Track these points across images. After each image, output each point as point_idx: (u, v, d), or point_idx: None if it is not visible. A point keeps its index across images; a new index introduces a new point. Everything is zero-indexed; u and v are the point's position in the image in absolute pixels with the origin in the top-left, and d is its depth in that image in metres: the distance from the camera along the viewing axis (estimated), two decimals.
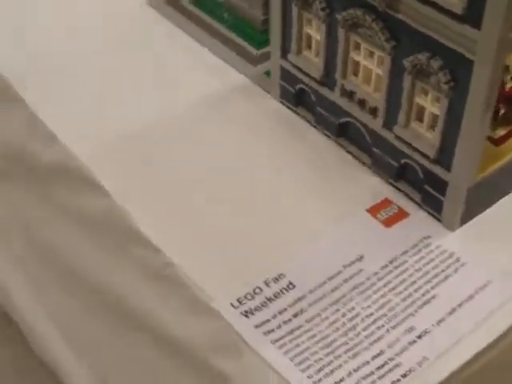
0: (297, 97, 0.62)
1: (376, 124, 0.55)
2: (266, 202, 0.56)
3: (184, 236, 0.53)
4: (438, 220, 0.54)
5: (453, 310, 0.48)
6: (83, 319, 0.64)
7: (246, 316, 0.49)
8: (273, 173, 0.58)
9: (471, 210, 0.53)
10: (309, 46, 0.59)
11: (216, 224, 0.54)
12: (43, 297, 0.70)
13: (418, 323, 0.48)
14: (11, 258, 0.72)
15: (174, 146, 0.60)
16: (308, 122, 0.62)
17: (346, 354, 0.47)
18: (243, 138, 0.61)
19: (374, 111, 0.55)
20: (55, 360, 0.70)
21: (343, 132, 0.59)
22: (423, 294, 0.49)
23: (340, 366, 0.46)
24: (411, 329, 0.47)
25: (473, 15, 0.45)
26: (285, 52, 0.61)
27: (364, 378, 0.45)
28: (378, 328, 0.48)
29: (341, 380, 0.45)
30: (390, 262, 0.51)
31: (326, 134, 0.60)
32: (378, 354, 0.46)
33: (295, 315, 0.49)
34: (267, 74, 0.65)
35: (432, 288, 0.50)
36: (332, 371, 0.46)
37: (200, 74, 0.67)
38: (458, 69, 0.48)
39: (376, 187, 0.56)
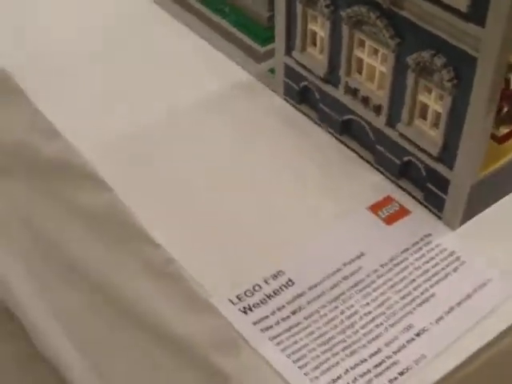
0: (301, 94, 0.62)
1: (379, 121, 0.55)
2: (267, 199, 0.56)
3: (184, 233, 0.53)
4: (440, 218, 0.53)
5: (451, 309, 0.48)
6: (85, 315, 0.64)
7: (245, 312, 0.49)
8: (275, 170, 0.58)
9: (473, 208, 0.53)
10: (313, 43, 0.59)
11: (216, 221, 0.54)
12: (45, 292, 0.70)
13: (416, 321, 0.48)
14: (13, 252, 0.73)
15: (176, 143, 0.60)
16: (311, 119, 0.62)
17: (343, 352, 0.46)
18: (246, 136, 0.61)
19: (377, 109, 0.55)
20: (57, 356, 0.70)
21: (347, 129, 0.59)
22: (422, 293, 0.49)
23: (337, 363, 0.46)
24: (409, 327, 0.47)
25: (477, 13, 0.45)
26: (289, 49, 0.61)
27: (361, 375, 0.45)
28: (377, 326, 0.47)
29: (338, 377, 0.45)
30: (390, 260, 0.51)
31: (329, 132, 0.60)
32: (376, 352, 0.46)
33: (294, 312, 0.48)
34: (271, 71, 0.64)
35: (431, 286, 0.49)
36: (329, 368, 0.46)
37: (204, 70, 0.67)
38: (462, 66, 0.47)
39: (378, 185, 0.56)
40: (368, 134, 0.57)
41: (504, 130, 0.53)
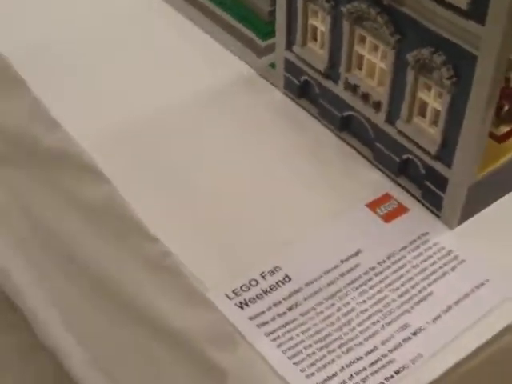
0: (301, 89, 0.62)
1: (379, 118, 0.55)
2: (265, 194, 0.55)
3: (181, 227, 0.53)
4: (438, 217, 0.53)
5: (449, 308, 0.48)
6: (84, 308, 0.64)
7: (241, 307, 0.48)
8: (273, 165, 0.58)
9: (471, 207, 0.52)
10: (314, 38, 0.59)
11: (214, 215, 0.54)
12: (45, 282, 0.70)
13: (413, 320, 0.47)
14: (12, 242, 0.73)
15: (175, 137, 0.60)
16: (311, 114, 0.61)
17: (339, 349, 0.46)
18: (245, 130, 0.61)
19: (377, 105, 0.55)
20: (58, 346, 0.70)
21: (346, 126, 0.59)
22: (420, 291, 0.49)
23: (333, 360, 0.46)
24: (406, 325, 0.47)
25: (477, 11, 0.44)
26: (290, 43, 0.60)
27: (357, 373, 0.45)
28: (373, 323, 0.47)
29: (333, 375, 0.45)
30: (388, 258, 0.51)
31: (328, 128, 0.60)
32: (372, 350, 0.46)
33: (290, 308, 0.48)
34: (272, 65, 0.64)
35: (429, 285, 0.49)
36: (325, 365, 0.45)
37: (205, 64, 0.67)
38: (461, 64, 0.47)
39: (377, 182, 0.56)
40: (367, 131, 0.56)
41: (504, 129, 0.53)
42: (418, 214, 0.54)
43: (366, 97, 0.56)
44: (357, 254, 0.51)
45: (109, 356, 0.64)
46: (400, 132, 0.54)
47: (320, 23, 0.57)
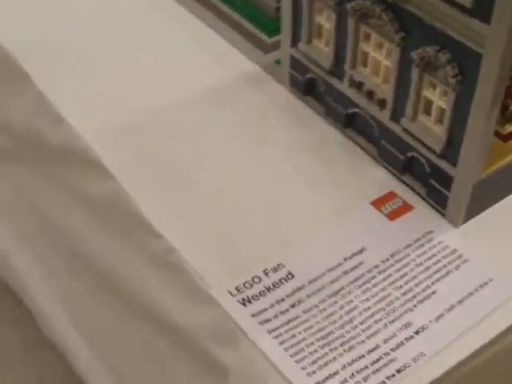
0: (306, 86, 0.61)
1: (384, 116, 0.55)
2: (269, 191, 0.55)
3: (185, 224, 0.53)
4: (443, 215, 0.53)
5: (452, 307, 0.48)
6: (90, 304, 0.64)
7: (244, 304, 0.48)
8: (277, 162, 0.58)
9: (476, 206, 0.52)
10: (319, 36, 0.59)
11: (217, 212, 0.54)
12: (52, 278, 0.70)
13: (416, 319, 0.47)
14: (20, 238, 0.73)
15: (179, 134, 0.60)
16: (316, 112, 0.61)
17: (341, 347, 0.46)
18: (250, 127, 0.61)
19: (382, 103, 0.55)
20: (63, 342, 0.71)
21: (351, 123, 0.59)
22: (423, 290, 0.49)
23: (335, 358, 0.46)
24: (409, 324, 0.47)
25: (482, 9, 0.44)
26: (295, 41, 0.60)
27: (358, 371, 0.45)
28: (376, 322, 0.47)
29: (335, 373, 0.45)
30: (392, 256, 0.51)
31: (333, 125, 0.60)
32: (374, 349, 0.46)
33: (293, 305, 0.48)
34: (278, 62, 0.64)
35: (432, 284, 0.49)
36: (326, 363, 0.45)
37: (210, 60, 0.67)
38: (466, 63, 0.47)
39: (382, 180, 0.56)
40: (372, 129, 0.56)
41: (509, 128, 0.53)
42: (423, 212, 0.54)
43: (370, 94, 0.56)
44: (361, 251, 0.51)
45: (114, 352, 0.64)
46: (405, 130, 0.53)
47: (325, 20, 0.57)
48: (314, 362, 0.45)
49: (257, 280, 0.50)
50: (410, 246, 0.51)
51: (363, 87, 0.56)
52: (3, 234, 0.74)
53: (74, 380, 0.71)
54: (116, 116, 0.61)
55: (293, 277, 0.50)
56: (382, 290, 0.49)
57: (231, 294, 0.49)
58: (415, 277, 0.50)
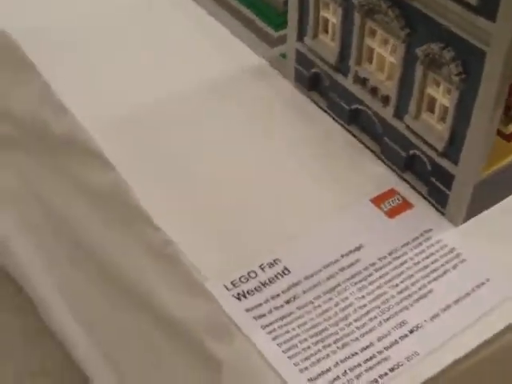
0: (311, 81, 0.61)
1: (387, 113, 0.54)
2: (270, 185, 0.55)
3: (184, 216, 0.53)
4: (442, 214, 0.53)
5: (448, 307, 0.47)
6: (90, 293, 0.64)
7: (239, 299, 0.48)
8: (280, 156, 0.57)
9: (476, 205, 0.52)
10: (325, 30, 0.58)
11: (217, 205, 0.54)
12: (53, 268, 0.70)
13: (411, 317, 0.47)
14: (24, 227, 0.73)
15: (182, 126, 0.60)
16: (320, 107, 0.61)
17: (335, 344, 0.46)
18: (254, 120, 0.60)
19: (385, 99, 0.54)
20: (63, 331, 0.71)
21: (354, 119, 0.58)
22: (420, 288, 0.48)
23: (328, 355, 0.45)
24: (403, 323, 0.47)
25: (488, 7, 0.44)
26: (301, 35, 0.60)
27: (351, 369, 0.45)
28: (371, 320, 0.47)
29: (328, 370, 0.45)
30: (389, 254, 0.50)
31: (337, 121, 0.59)
32: (368, 346, 0.46)
33: (288, 301, 0.48)
34: (283, 55, 0.64)
35: (429, 282, 0.49)
36: (319, 360, 0.45)
37: (215, 52, 0.66)
38: (471, 61, 0.46)
39: (382, 176, 0.55)
40: (375, 125, 0.56)
41: None
42: (423, 210, 0.53)
43: (374, 90, 0.55)
44: (358, 248, 0.51)
45: (111, 341, 0.65)
46: (408, 127, 0.53)
47: (331, 15, 0.56)
48: (306, 359, 0.45)
49: (253, 275, 0.49)
50: (408, 244, 0.51)
51: (367, 83, 0.55)
52: (6, 221, 0.74)
53: (73, 369, 0.71)
54: (118, 107, 0.61)
55: (289, 272, 0.49)
56: (378, 287, 0.49)
57: (227, 289, 0.49)
58: (412, 275, 0.49)
